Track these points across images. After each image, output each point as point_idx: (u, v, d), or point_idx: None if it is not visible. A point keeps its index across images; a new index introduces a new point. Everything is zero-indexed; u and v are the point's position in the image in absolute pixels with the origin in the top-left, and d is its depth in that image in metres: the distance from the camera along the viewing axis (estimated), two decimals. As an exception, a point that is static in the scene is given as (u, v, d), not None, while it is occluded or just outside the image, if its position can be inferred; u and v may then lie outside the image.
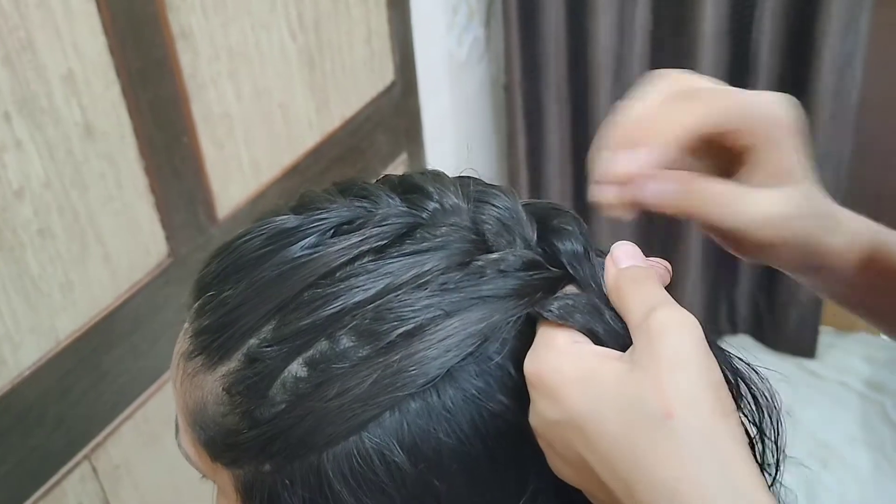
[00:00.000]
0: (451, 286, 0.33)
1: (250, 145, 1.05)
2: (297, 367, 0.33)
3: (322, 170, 1.18)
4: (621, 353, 0.31)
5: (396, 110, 1.35)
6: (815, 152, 1.55)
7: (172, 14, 0.90)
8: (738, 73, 1.47)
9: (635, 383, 0.29)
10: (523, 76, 1.55)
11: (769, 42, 1.43)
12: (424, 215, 0.35)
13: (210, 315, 0.36)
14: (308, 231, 0.35)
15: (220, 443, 0.35)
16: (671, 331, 0.29)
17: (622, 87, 1.52)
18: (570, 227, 0.35)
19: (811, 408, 1.58)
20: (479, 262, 0.34)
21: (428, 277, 0.33)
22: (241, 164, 1.04)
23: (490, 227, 0.35)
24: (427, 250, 0.34)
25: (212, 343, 0.35)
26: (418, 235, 0.35)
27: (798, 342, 1.71)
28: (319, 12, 1.11)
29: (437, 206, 0.36)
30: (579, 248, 0.35)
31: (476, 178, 0.38)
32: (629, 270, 0.33)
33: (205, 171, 0.99)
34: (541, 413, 0.31)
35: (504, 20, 1.52)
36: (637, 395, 0.29)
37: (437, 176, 0.37)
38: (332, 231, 0.35)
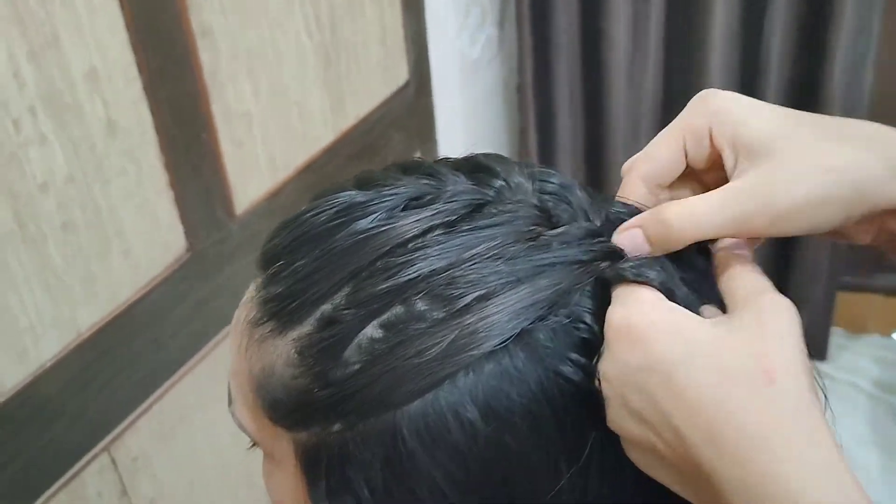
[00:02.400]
0: (521, 256, 0.35)
1: (267, 143, 1.06)
2: (372, 330, 0.34)
3: (337, 168, 1.19)
4: (706, 319, 0.33)
5: (410, 109, 1.36)
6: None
7: (193, 12, 0.91)
8: (750, 74, 1.47)
9: (737, 345, 0.31)
10: (536, 76, 1.56)
11: (780, 43, 1.43)
12: (491, 193, 0.37)
13: (281, 283, 0.37)
14: (378, 205, 0.37)
15: (288, 405, 0.36)
16: (782, 311, 0.32)
17: (635, 87, 1.52)
18: (622, 203, 0.38)
19: (821, 409, 1.58)
20: (545, 236, 0.36)
21: (498, 249, 0.35)
22: (259, 162, 1.06)
23: (553, 203, 0.37)
24: (496, 224, 0.35)
25: (283, 309, 0.36)
26: (486, 211, 0.36)
27: (809, 343, 1.70)
28: (335, 12, 1.12)
29: (503, 183, 0.38)
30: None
31: (531, 162, 0.40)
32: (737, 254, 0.35)
33: (223, 168, 1.00)
34: (620, 359, 0.32)
35: (517, 20, 1.53)
36: (737, 356, 0.30)
37: (500, 157, 0.39)
38: (402, 206, 0.37)
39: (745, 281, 0.34)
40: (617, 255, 0.36)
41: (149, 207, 0.92)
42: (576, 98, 1.57)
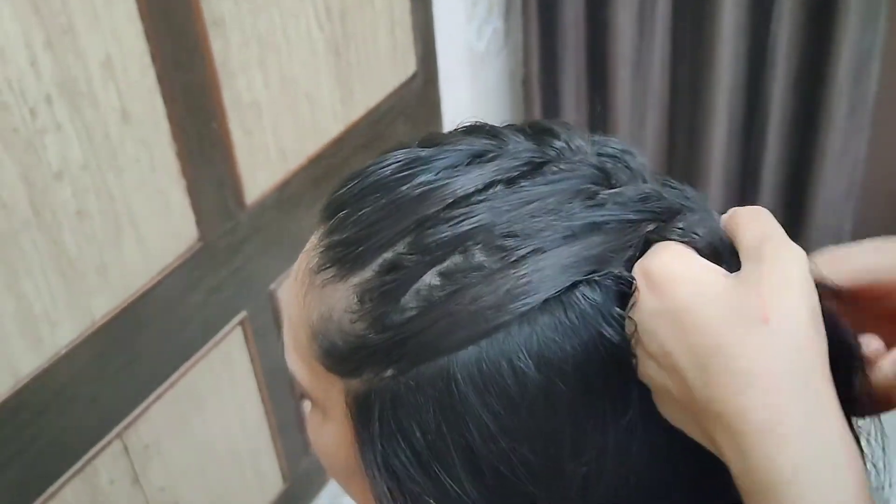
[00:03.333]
0: (577, 213, 0.36)
1: (277, 133, 1.06)
2: (431, 277, 0.35)
3: (345, 158, 1.20)
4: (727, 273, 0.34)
5: (418, 100, 1.36)
6: (831, 148, 1.54)
7: (205, 1, 0.91)
8: (757, 67, 1.47)
9: (740, 292, 0.32)
10: (542, 68, 1.56)
11: (787, 36, 1.43)
12: (552, 153, 0.38)
13: (346, 230, 0.38)
14: (444, 159, 0.38)
15: (343, 350, 0.37)
16: (781, 257, 0.32)
17: (642, 80, 1.52)
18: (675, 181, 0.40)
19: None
20: (602, 195, 0.37)
21: (555, 205, 0.36)
22: (269, 151, 1.06)
23: (612, 165, 0.38)
24: (556, 181, 0.37)
25: (347, 255, 0.37)
26: (546, 169, 0.37)
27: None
28: (345, 3, 1.12)
29: (563, 145, 0.39)
30: (689, 188, 0.39)
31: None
32: (748, 208, 0.36)
33: (234, 157, 1.01)
34: (642, 304, 0.33)
35: (523, 12, 1.53)
36: (738, 300, 0.31)
37: (563, 122, 0.41)
38: (465, 162, 0.38)
39: (749, 229, 0.35)
40: (668, 216, 0.37)
41: (161, 196, 0.92)
42: (581, 90, 1.58)
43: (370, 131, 1.24)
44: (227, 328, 1.06)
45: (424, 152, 0.38)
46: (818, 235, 1.58)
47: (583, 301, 0.35)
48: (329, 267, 0.38)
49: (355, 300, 0.36)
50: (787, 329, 0.30)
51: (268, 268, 1.10)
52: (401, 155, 0.39)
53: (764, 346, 0.30)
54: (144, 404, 0.97)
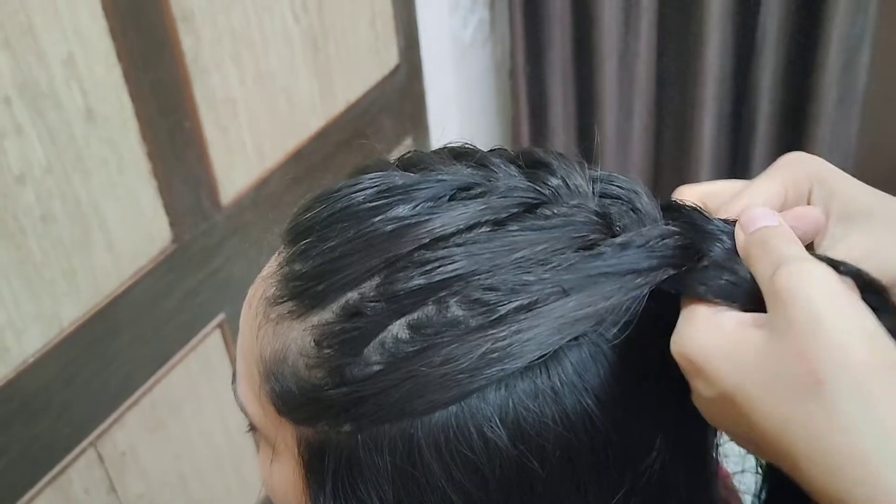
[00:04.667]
0: (571, 265, 0.31)
1: (254, 130, 1.04)
2: (398, 329, 0.31)
3: (327, 154, 1.17)
4: (762, 315, 0.29)
5: (401, 94, 1.33)
6: (821, 137, 1.52)
7: (174, -4, 0.88)
8: (745, 56, 1.45)
9: (777, 353, 0.27)
10: (528, 59, 1.54)
11: (776, 24, 1.41)
12: (547, 192, 0.34)
13: (308, 261, 0.34)
14: (425, 190, 0.33)
15: (297, 398, 0.33)
16: (798, 288, 0.27)
17: (628, 70, 1.50)
18: (687, 204, 0.35)
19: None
20: (603, 245, 0.32)
21: (547, 255, 0.32)
22: (245, 149, 1.03)
23: (616, 209, 0.34)
24: (549, 227, 0.32)
25: (307, 290, 0.33)
26: (539, 212, 0.33)
27: None
28: (322, -5, 1.09)
29: (560, 183, 0.34)
30: (704, 223, 0.33)
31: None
32: (756, 233, 0.31)
33: (208, 156, 0.98)
34: (697, 392, 0.30)
35: (508, 3, 1.51)
36: (780, 365, 0.27)
37: (560, 154, 0.36)
38: (448, 195, 0.34)
39: (761, 264, 0.30)
40: (681, 261, 0.32)
41: (131, 198, 0.89)
42: (568, 81, 1.55)
43: (352, 126, 1.22)
44: (204, 331, 1.04)
45: (402, 179, 0.34)
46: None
47: (572, 369, 0.31)
48: (286, 301, 0.34)
49: (312, 344, 0.33)
50: (844, 384, 0.25)
51: (247, 269, 1.07)
52: (377, 180, 0.34)
53: (830, 417, 0.25)
54: (119, 411, 0.95)
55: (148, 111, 0.88)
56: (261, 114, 1.04)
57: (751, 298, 0.30)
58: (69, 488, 0.91)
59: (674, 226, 0.33)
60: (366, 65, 1.23)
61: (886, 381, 0.25)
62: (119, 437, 0.95)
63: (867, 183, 0.37)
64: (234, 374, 0.38)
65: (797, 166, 0.36)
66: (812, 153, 0.37)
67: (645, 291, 0.32)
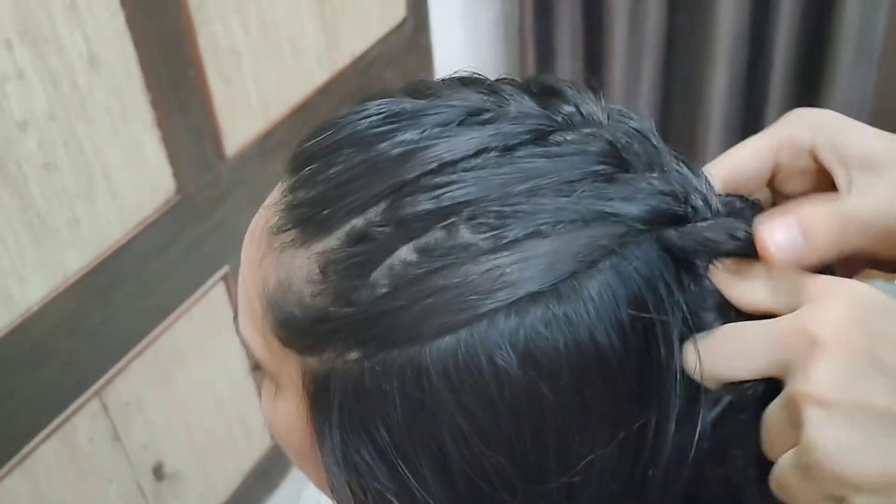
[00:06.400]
0: (586, 195, 0.31)
1: (258, 81, 1.02)
2: (406, 252, 0.31)
3: (332, 108, 1.16)
4: None
5: (408, 47, 1.31)
6: (837, 99, 1.50)
7: (178, -59, 0.87)
8: (759, 15, 1.42)
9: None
10: (536, 15, 1.51)
11: (792, -20, 1.38)
12: (559, 119, 0.33)
13: (313, 188, 0.33)
14: (433, 116, 0.32)
15: (302, 325, 0.32)
16: (825, 344, 0.29)
17: (637, 28, 1.48)
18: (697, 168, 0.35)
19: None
20: (618, 178, 0.32)
21: (560, 184, 0.31)
22: (250, 101, 1.02)
23: (628, 145, 0.33)
24: (561, 155, 0.31)
25: (312, 216, 0.32)
26: (551, 139, 0.32)
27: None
28: (329, -57, 1.07)
29: (573, 110, 0.33)
30: (706, 183, 0.34)
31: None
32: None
33: (212, 107, 0.97)
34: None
35: (518, -44, 1.48)
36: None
37: (573, 82, 0.35)
38: (457, 120, 0.32)
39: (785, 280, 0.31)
40: (684, 219, 0.32)
41: (135, 147, 0.88)
42: (577, 38, 1.53)
43: (358, 80, 1.20)
44: (209, 283, 1.04)
45: (411, 105, 0.33)
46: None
47: (586, 296, 0.30)
48: (290, 228, 0.33)
49: (317, 270, 0.32)
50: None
51: (250, 221, 1.07)
52: (383, 105, 0.33)
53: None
54: (124, 361, 0.95)
55: (152, 59, 0.87)
56: (265, 65, 1.02)
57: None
58: (74, 437, 0.91)
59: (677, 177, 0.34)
60: (372, 17, 1.21)
61: None
62: (124, 387, 0.96)
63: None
64: (235, 311, 0.38)
65: (795, 122, 0.35)
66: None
67: (653, 236, 0.32)
